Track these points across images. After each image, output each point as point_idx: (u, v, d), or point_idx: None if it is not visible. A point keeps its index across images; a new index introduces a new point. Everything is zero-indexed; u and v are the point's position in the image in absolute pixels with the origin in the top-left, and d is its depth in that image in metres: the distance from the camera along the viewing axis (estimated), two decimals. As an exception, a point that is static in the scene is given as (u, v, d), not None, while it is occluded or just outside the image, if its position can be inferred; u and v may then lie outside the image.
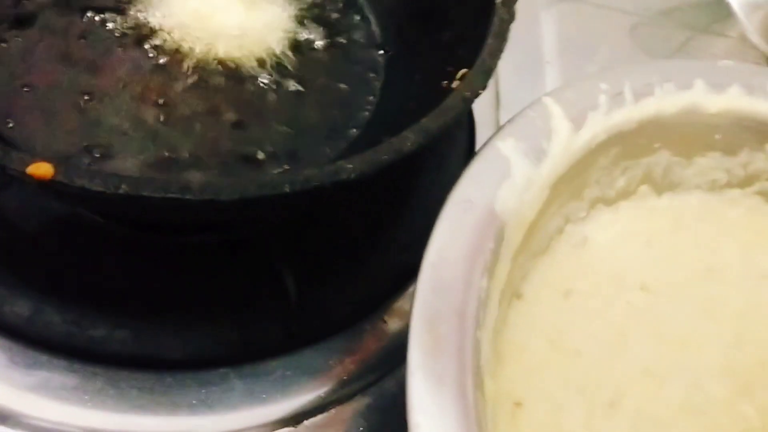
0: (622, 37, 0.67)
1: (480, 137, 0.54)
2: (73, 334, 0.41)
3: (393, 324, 0.45)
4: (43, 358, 0.40)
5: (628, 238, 0.45)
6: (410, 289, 0.47)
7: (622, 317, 0.42)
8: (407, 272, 0.47)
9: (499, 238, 0.36)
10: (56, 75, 0.45)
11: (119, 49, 0.47)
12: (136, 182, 0.31)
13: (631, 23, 0.69)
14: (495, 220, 0.36)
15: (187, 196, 0.31)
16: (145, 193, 0.31)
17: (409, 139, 0.36)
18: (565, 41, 0.63)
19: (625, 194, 0.45)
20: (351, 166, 0.34)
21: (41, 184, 0.31)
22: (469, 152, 0.53)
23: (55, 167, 0.31)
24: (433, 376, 0.31)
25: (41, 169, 0.31)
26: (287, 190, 0.33)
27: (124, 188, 0.31)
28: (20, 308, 0.41)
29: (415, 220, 0.49)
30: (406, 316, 0.46)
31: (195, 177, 0.40)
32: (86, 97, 0.44)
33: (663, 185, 0.46)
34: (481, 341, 0.33)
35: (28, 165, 0.31)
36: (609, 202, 0.45)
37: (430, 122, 0.37)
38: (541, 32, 0.62)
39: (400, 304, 0.46)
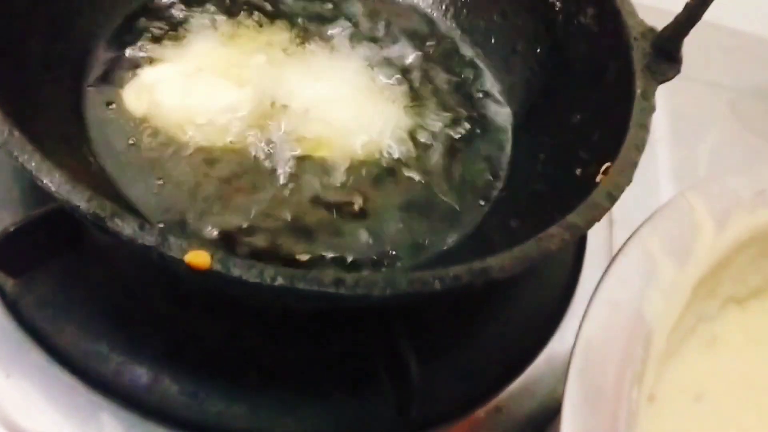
0: (726, 114, 0.66)
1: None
2: (189, 407, 0.40)
3: (507, 412, 0.44)
4: (159, 431, 0.39)
5: (757, 339, 0.43)
6: (521, 377, 0.46)
7: (755, 423, 0.40)
8: (519, 359, 0.46)
9: (648, 345, 0.35)
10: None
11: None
12: (291, 275, 0.31)
13: (732, 99, 0.68)
14: (643, 325, 0.35)
15: (341, 291, 0.31)
16: (299, 287, 0.31)
17: (556, 237, 0.35)
18: (674, 118, 0.62)
19: (757, 293, 0.44)
20: (499, 265, 0.34)
21: (197, 272, 0.30)
22: (582, 237, 0.51)
23: (212, 256, 0.30)
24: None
25: (199, 258, 0.30)
26: (438, 287, 0.32)
27: (279, 281, 0.30)
28: (138, 377, 0.41)
29: (526, 305, 0.48)
30: (519, 405, 0.45)
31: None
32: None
33: (794, 285, 0.44)
34: (633, 457, 0.32)
35: (185, 253, 0.30)
36: (740, 300, 0.43)
37: (578, 219, 0.36)
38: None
39: (513, 391, 0.45)
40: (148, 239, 0.31)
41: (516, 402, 0.44)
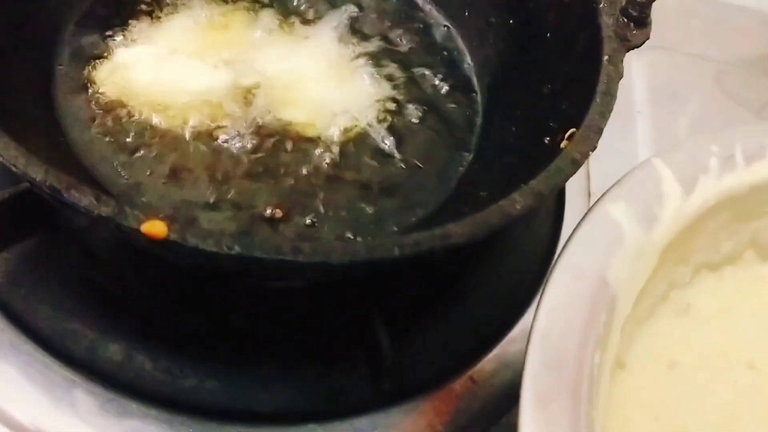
0: (710, 86, 0.65)
1: (570, 188, 0.52)
2: (163, 383, 0.41)
3: (482, 383, 0.44)
4: (133, 406, 0.40)
5: (732, 308, 0.42)
6: (497, 349, 0.45)
7: (730, 396, 0.39)
8: (494, 330, 0.46)
9: (611, 310, 0.34)
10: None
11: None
12: (249, 243, 0.31)
13: (716, 71, 0.67)
14: (607, 290, 0.35)
15: (299, 258, 0.31)
16: (257, 255, 0.31)
17: (518, 203, 0.35)
18: (655, 90, 0.61)
19: (731, 259, 0.43)
20: (461, 230, 0.33)
21: (153, 242, 0.31)
22: (558, 206, 0.51)
23: (169, 226, 0.31)
24: (549, 459, 0.30)
25: (155, 227, 0.30)
26: (397, 253, 0.32)
27: (236, 249, 0.30)
28: (112, 353, 0.41)
29: (502, 277, 0.48)
30: (494, 376, 0.45)
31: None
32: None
33: (769, 250, 0.44)
34: (594, 421, 0.32)
35: (141, 223, 0.30)
36: (713, 267, 0.43)
37: (540, 185, 0.36)
38: (631, 81, 0.60)
39: (488, 362, 0.45)
40: (104, 210, 0.31)
41: (490, 373, 0.44)
